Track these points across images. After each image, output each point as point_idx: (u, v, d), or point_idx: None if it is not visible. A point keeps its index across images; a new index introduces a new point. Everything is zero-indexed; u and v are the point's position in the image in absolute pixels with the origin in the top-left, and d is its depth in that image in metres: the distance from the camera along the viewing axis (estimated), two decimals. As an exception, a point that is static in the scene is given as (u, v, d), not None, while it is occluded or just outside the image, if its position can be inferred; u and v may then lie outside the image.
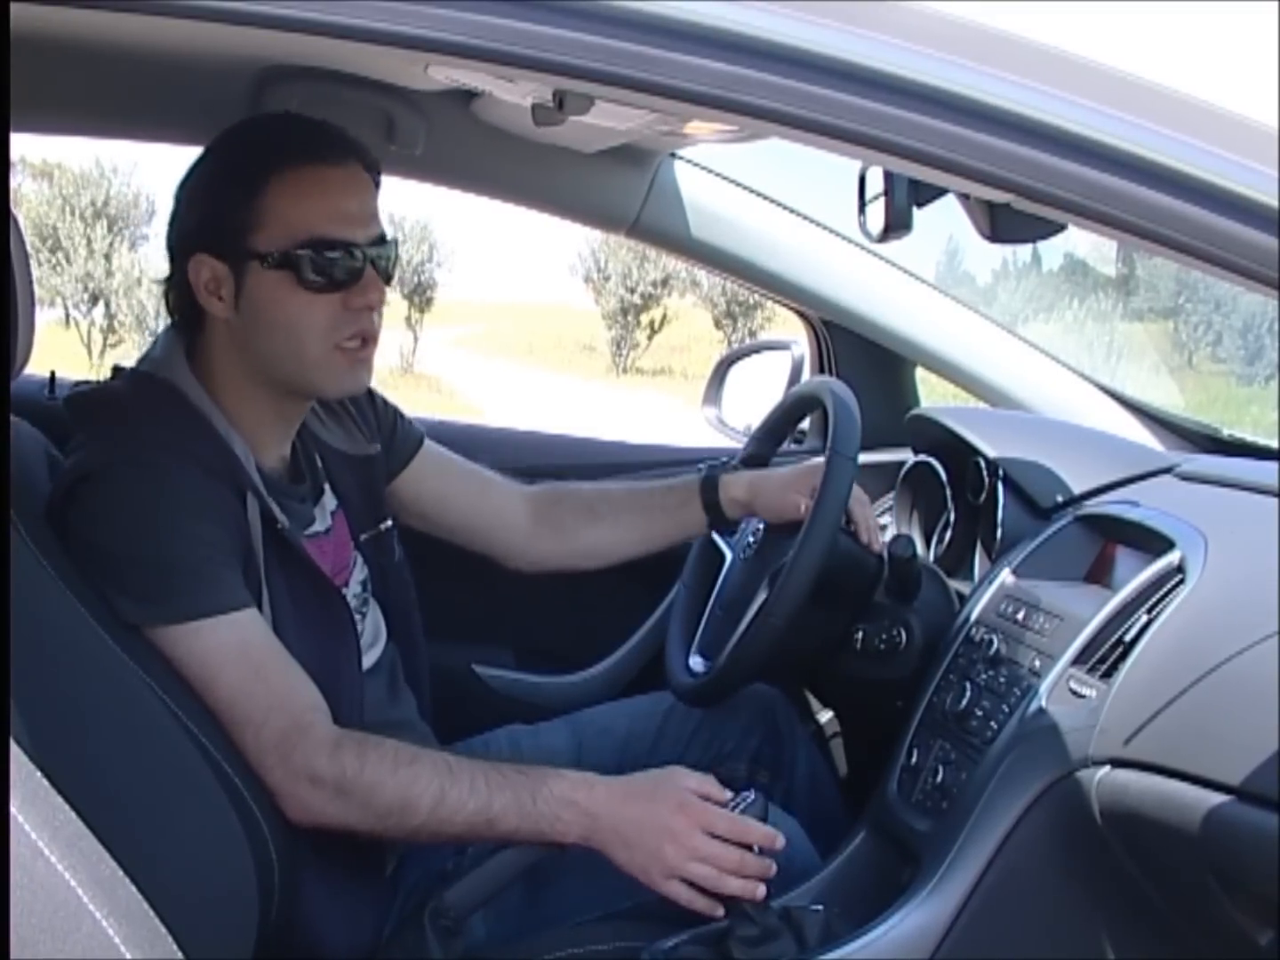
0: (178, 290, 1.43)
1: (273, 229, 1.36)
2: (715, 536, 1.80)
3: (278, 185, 1.36)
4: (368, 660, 1.51)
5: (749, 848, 1.31)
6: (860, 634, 1.61)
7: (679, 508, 1.75)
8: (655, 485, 1.81)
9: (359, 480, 1.59)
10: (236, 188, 1.37)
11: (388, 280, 1.43)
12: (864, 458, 1.60)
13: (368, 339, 1.42)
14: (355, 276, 1.39)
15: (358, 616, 1.50)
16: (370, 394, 1.67)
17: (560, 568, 1.79)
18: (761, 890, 1.29)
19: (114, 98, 1.78)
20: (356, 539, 1.57)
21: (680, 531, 1.77)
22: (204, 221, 1.40)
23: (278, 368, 1.41)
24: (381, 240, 1.42)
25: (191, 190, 1.42)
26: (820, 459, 1.68)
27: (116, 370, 1.47)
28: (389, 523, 1.62)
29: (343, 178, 1.40)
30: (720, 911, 1.29)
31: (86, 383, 1.49)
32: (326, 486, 1.56)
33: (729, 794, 1.34)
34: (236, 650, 1.31)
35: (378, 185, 1.46)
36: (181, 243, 1.41)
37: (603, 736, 1.69)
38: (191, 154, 1.45)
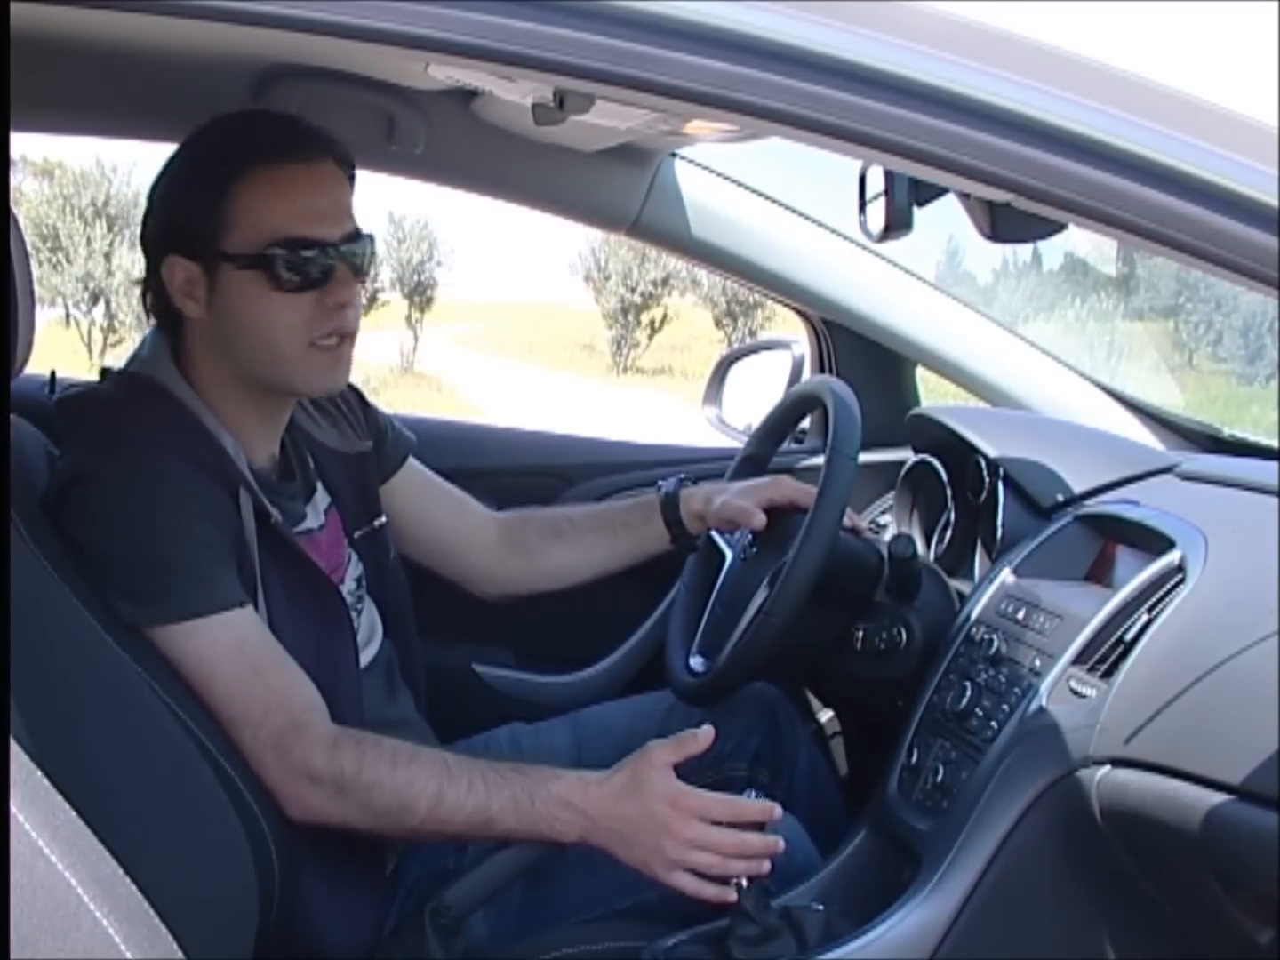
0: (154, 292, 1.43)
1: (242, 230, 1.36)
2: (715, 536, 1.80)
3: (246, 185, 1.35)
4: (364, 657, 1.51)
5: (752, 826, 1.31)
6: (861, 633, 1.61)
7: (641, 525, 1.76)
8: (617, 504, 1.83)
9: (352, 477, 1.59)
10: (206, 189, 1.37)
11: (362, 276, 1.42)
12: (864, 457, 1.60)
13: (344, 336, 1.41)
14: (327, 275, 1.38)
15: (353, 613, 1.50)
16: (360, 397, 1.67)
17: (528, 590, 1.79)
18: (766, 866, 1.29)
19: (114, 97, 1.78)
20: (351, 536, 1.57)
21: (643, 549, 1.77)
22: (176, 223, 1.39)
23: (254, 368, 1.41)
24: (354, 236, 1.40)
25: (163, 192, 1.42)
26: (781, 476, 1.73)
27: (105, 372, 1.47)
28: (383, 519, 1.62)
29: (312, 175, 1.39)
30: (732, 896, 1.28)
31: (78, 385, 1.49)
32: (319, 484, 1.56)
33: (704, 731, 1.33)
34: (233, 649, 1.32)
35: (352, 180, 1.45)
36: (155, 244, 1.41)
37: (603, 736, 1.69)
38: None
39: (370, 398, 1.71)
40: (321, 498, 1.55)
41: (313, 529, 1.51)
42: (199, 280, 1.38)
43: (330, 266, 1.38)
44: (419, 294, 15.89)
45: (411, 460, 1.73)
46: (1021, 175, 0.89)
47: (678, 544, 1.77)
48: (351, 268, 1.39)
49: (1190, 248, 0.90)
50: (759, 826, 1.32)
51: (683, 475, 1.80)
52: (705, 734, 1.33)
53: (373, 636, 1.56)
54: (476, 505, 1.79)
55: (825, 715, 1.96)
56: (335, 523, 1.55)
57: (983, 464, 1.73)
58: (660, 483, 1.79)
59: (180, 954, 0.78)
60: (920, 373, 2.31)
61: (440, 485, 1.77)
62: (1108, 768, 1.23)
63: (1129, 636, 1.32)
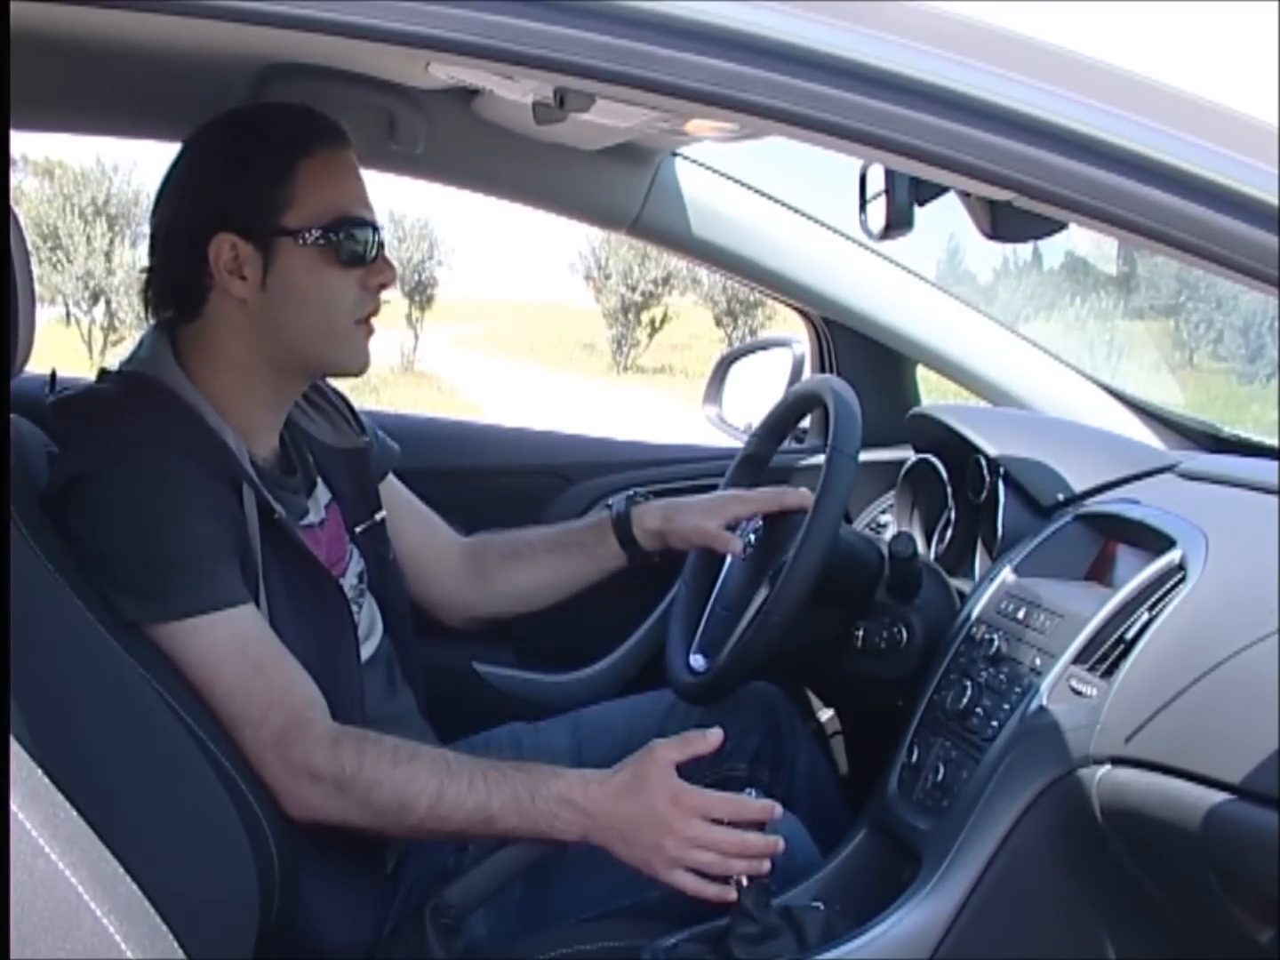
0: (178, 275, 1.42)
1: (306, 208, 1.39)
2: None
3: (309, 166, 1.40)
4: (364, 652, 1.50)
5: (753, 826, 1.31)
6: (861, 632, 1.61)
7: (595, 545, 1.75)
8: (572, 525, 1.82)
9: (351, 472, 1.60)
10: (269, 168, 1.40)
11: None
12: (865, 456, 1.60)
13: (375, 316, 1.48)
14: (377, 255, 1.44)
15: (354, 608, 1.50)
16: (347, 403, 1.67)
17: (485, 614, 1.78)
18: (766, 865, 1.29)
19: (114, 95, 1.78)
20: (352, 531, 1.57)
21: (599, 569, 1.76)
22: (231, 202, 1.39)
23: (303, 344, 1.43)
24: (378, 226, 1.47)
25: (208, 174, 1.42)
26: (734, 490, 1.73)
27: (103, 373, 1.47)
28: (383, 513, 1.62)
29: (354, 162, 1.45)
30: (733, 895, 1.28)
31: (71, 388, 1.48)
32: (319, 480, 1.56)
33: (713, 732, 1.33)
34: (234, 647, 1.32)
35: None
36: (199, 225, 1.40)
37: (603, 735, 1.69)
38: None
39: (368, 397, 1.71)
40: (322, 492, 1.55)
41: (314, 523, 1.51)
42: (252, 258, 1.39)
43: (379, 247, 1.44)
44: (419, 293, 15.90)
45: (391, 477, 1.73)
46: (1023, 174, 0.89)
47: (634, 563, 1.75)
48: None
49: (1192, 247, 0.90)
50: (759, 826, 1.32)
51: (632, 492, 1.79)
52: (715, 735, 1.33)
53: (372, 631, 1.56)
54: (445, 528, 1.78)
55: (825, 715, 1.96)
56: (336, 517, 1.56)
57: (983, 463, 1.73)
58: (609, 501, 1.78)
59: (180, 953, 0.78)
60: (920, 372, 2.30)
61: (415, 506, 1.76)
62: (1108, 767, 1.23)
63: (1129, 635, 1.32)
